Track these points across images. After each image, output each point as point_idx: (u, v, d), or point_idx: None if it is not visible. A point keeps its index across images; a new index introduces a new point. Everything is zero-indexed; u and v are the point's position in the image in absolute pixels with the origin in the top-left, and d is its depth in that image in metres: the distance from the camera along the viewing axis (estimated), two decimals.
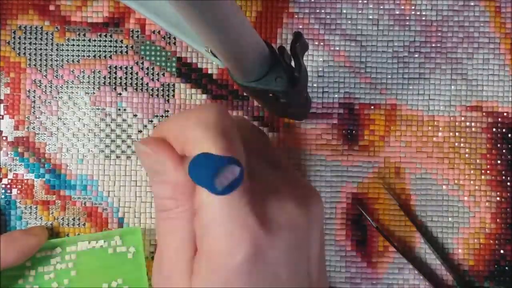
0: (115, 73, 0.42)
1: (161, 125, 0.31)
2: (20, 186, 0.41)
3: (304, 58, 0.32)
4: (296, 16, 0.42)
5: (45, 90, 0.42)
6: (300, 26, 0.42)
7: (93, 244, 0.40)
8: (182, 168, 0.29)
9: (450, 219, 0.41)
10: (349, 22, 0.41)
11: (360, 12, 0.41)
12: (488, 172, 0.41)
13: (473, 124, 0.41)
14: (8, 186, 0.41)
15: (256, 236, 0.27)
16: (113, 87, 0.42)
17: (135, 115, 0.42)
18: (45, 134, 0.42)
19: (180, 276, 0.29)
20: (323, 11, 0.41)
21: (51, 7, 0.42)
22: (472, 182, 0.41)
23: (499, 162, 0.41)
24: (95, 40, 0.42)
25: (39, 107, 0.42)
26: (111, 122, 0.42)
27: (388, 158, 0.41)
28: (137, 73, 0.42)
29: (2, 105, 0.42)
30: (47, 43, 0.42)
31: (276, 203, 0.29)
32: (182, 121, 0.29)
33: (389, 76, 0.41)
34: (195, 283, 0.28)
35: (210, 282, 0.27)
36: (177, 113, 0.29)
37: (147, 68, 0.42)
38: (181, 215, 0.29)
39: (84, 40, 0.42)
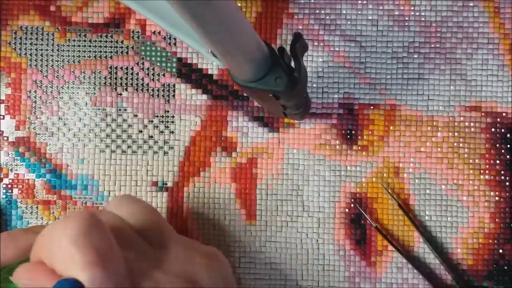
0: (116, 73, 0.42)
1: (35, 241, 0.30)
2: (21, 186, 0.42)
3: (303, 59, 0.32)
4: (295, 17, 0.42)
5: (46, 91, 0.42)
6: (300, 27, 0.42)
7: None
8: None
9: (449, 218, 0.41)
10: (349, 22, 0.42)
11: (359, 12, 0.42)
12: (487, 172, 0.41)
13: (472, 124, 0.41)
14: (9, 186, 0.42)
15: None
16: (114, 87, 0.42)
17: (136, 115, 0.42)
18: (46, 134, 0.42)
19: None
20: (322, 11, 0.42)
21: (52, 8, 0.42)
22: (471, 182, 0.41)
23: (498, 162, 0.41)
24: (95, 41, 0.42)
25: (40, 107, 0.42)
26: (112, 122, 0.42)
27: (387, 158, 0.41)
28: (137, 74, 0.42)
29: (3, 105, 0.42)
30: (48, 43, 0.42)
31: None
32: (49, 235, 0.28)
33: (389, 77, 0.42)
34: None
35: None
36: (49, 224, 0.29)
37: (148, 69, 0.42)
38: None
39: (84, 40, 0.42)
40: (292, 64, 0.31)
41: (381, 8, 0.42)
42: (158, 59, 0.42)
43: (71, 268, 0.27)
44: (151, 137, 0.42)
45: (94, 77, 0.42)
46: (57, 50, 0.42)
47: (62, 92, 0.42)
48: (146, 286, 0.29)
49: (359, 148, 0.41)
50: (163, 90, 0.42)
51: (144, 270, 0.30)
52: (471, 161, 0.41)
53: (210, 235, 0.41)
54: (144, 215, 0.33)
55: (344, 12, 0.42)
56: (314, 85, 0.42)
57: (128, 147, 0.42)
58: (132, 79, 0.42)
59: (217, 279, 0.33)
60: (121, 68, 0.42)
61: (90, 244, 0.27)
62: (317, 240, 0.41)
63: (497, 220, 0.41)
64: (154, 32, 0.42)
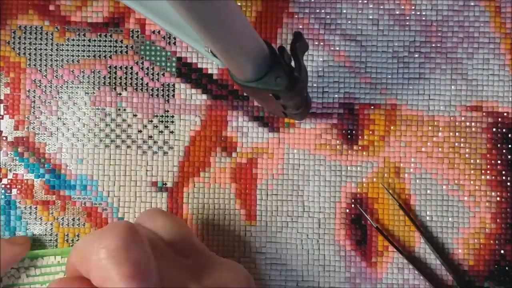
0: (115, 73, 0.42)
1: (72, 249, 0.30)
2: (20, 186, 0.41)
3: (304, 58, 0.32)
4: (296, 16, 0.42)
5: (45, 90, 0.42)
6: (300, 26, 0.42)
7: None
8: None
9: (450, 219, 0.41)
10: (349, 22, 0.41)
11: (360, 12, 0.41)
12: (488, 172, 0.41)
13: (473, 124, 0.41)
14: (8, 186, 0.41)
15: None
16: (113, 87, 0.42)
17: (135, 115, 0.42)
18: (45, 134, 0.42)
19: None
20: (323, 11, 0.41)
21: (51, 7, 0.42)
22: (472, 182, 0.41)
23: (499, 162, 0.41)
24: (95, 40, 0.42)
25: (39, 107, 0.42)
26: (111, 122, 0.42)
27: (388, 158, 0.41)
28: (137, 73, 0.42)
29: (2, 105, 0.42)
30: (47, 43, 0.42)
31: None
32: (87, 245, 0.29)
33: (389, 76, 0.41)
34: None
35: None
36: (87, 234, 0.30)
37: (147, 68, 0.42)
38: None
39: (84, 40, 0.42)
40: (293, 63, 0.31)
41: (381, 7, 0.41)
42: (158, 58, 0.42)
43: (108, 281, 0.27)
44: (151, 137, 0.42)
45: (93, 76, 0.42)
46: (56, 49, 0.42)
47: (61, 92, 0.42)
48: None
49: (360, 148, 0.41)
50: (163, 90, 0.42)
51: (178, 281, 0.30)
52: (472, 161, 0.41)
53: (210, 235, 0.41)
54: (176, 228, 0.34)
55: (344, 11, 0.41)
56: (315, 85, 0.41)
57: (128, 147, 0.42)
58: (131, 78, 0.42)
59: None
60: (121, 67, 0.42)
61: (128, 258, 0.27)
62: (318, 241, 0.41)
63: (498, 220, 0.41)
64: (153, 32, 0.42)
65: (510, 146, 0.41)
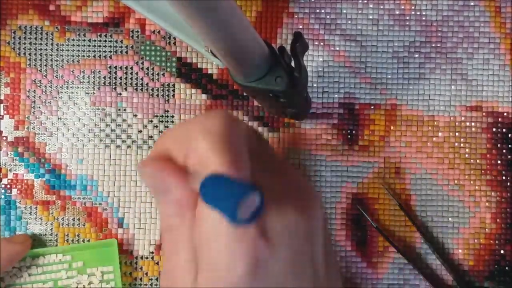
0: (115, 73, 0.42)
1: (164, 134, 0.29)
2: (20, 186, 0.41)
3: (304, 58, 0.32)
4: (296, 16, 0.42)
5: (45, 90, 0.42)
6: (300, 26, 0.42)
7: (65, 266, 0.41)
8: (185, 183, 0.28)
9: (450, 219, 0.41)
10: (349, 22, 0.41)
11: (360, 12, 0.41)
12: (488, 172, 0.41)
13: (473, 124, 0.41)
14: (8, 186, 0.41)
15: (255, 248, 0.26)
16: (113, 87, 0.42)
17: (135, 115, 0.42)
18: (45, 134, 0.42)
19: None
20: (323, 11, 0.41)
21: (51, 7, 0.42)
22: (472, 182, 0.41)
23: (499, 162, 0.41)
24: (95, 40, 0.42)
25: (39, 107, 0.42)
26: (111, 122, 0.42)
27: (388, 158, 0.41)
28: (137, 73, 0.42)
29: (2, 105, 0.42)
30: (47, 43, 0.42)
31: (275, 212, 0.28)
32: (186, 130, 0.28)
33: (389, 76, 0.41)
34: None
35: None
36: (182, 121, 0.28)
37: (147, 68, 0.42)
38: (186, 232, 0.28)
39: (84, 40, 0.42)
40: (293, 63, 0.31)
41: (381, 7, 0.41)
42: (158, 58, 0.42)
43: (207, 165, 0.26)
44: (151, 137, 0.42)
45: (94, 76, 0.42)
46: (56, 49, 0.42)
47: (61, 92, 0.42)
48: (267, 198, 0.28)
49: (360, 148, 0.41)
50: (163, 90, 0.42)
51: (260, 180, 0.29)
52: (472, 161, 0.41)
53: None
54: (260, 141, 0.33)
55: (344, 11, 0.41)
56: (315, 85, 0.41)
57: (128, 147, 0.42)
58: (131, 78, 0.42)
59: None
60: (121, 67, 0.42)
61: (229, 145, 0.26)
62: None
63: (498, 220, 0.41)
64: (153, 32, 0.42)
65: (510, 146, 0.41)
